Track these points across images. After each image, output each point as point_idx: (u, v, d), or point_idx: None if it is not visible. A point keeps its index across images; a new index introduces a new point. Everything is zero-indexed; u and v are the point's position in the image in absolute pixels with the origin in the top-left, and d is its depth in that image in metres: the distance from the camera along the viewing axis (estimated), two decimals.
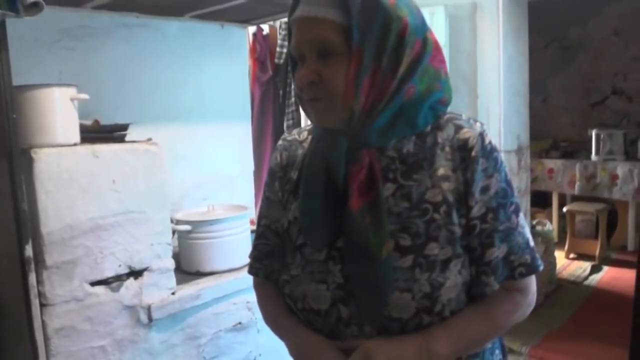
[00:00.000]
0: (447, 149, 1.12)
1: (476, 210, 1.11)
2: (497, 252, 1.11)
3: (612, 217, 6.14)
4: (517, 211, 1.15)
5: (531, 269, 1.14)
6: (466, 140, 1.12)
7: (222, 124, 2.83)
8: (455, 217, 1.09)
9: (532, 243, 1.16)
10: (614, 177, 5.60)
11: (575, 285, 5.16)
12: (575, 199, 6.35)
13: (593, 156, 5.86)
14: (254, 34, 3.61)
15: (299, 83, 1.10)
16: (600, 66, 6.97)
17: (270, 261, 1.27)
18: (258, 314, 2.29)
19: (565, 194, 6.33)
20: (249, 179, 3.01)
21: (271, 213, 1.26)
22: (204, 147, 2.74)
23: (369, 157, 1.09)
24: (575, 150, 6.35)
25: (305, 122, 3.68)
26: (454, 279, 1.08)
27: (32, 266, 1.71)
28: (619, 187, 5.55)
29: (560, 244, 5.99)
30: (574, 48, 7.11)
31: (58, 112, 1.82)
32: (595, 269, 5.54)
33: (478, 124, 1.16)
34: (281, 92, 3.77)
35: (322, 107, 1.09)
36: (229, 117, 2.87)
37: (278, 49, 3.70)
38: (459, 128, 1.13)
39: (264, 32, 3.69)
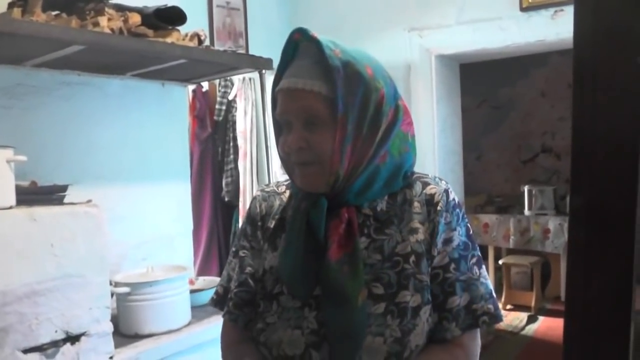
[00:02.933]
0: (416, 204, 1.22)
1: (438, 260, 1.20)
2: (459, 300, 1.20)
3: (545, 269, 6.34)
4: (479, 263, 1.25)
5: (494, 318, 1.23)
6: (432, 196, 1.23)
7: (162, 183, 2.82)
8: (424, 266, 1.18)
9: (494, 294, 1.26)
10: (546, 231, 5.81)
11: (512, 335, 5.28)
12: (510, 252, 6.55)
13: (526, 211, 6.07)
14: (194, 91, 3.64)
15: (286, 148, 1.18)
16: (530, 125, 7.31)
17: (249, 309, 1.29)
18: None
19: (500, 248, 6.51)
20: (188, 238, 2.99)
21: (255, 262, 1.30)
22: (143, 207, 2.72)
23: (347, 214, 1.18)
24: (509, 205, 6.56)
25: (243, 180, 3.70)
26: (422, 326, 1.16)
27: None
28: (551, 241, 5.76)
29: (497, 295, 6.11)
30: (505, 108, 7.44)
31: None
32: (531, 319, 5.69)
33: (443, 182, 1.28)
34: (220, 149, 3.79)
35: (311, 171, 1.17)
36: (169, 176, 2.87)
37: (217, 106, 3.74)
38: (425, 185, 1.25)
39: (204, 89, 3.73)
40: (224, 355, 1.37)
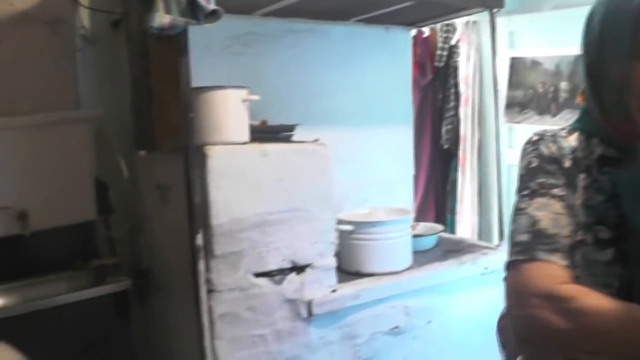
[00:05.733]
0: None
1: None
2: None
3: None
4: None
5: None
6: None
7: (384, 128, 2.82)
8: None
9: None
10: None
11: None
12: None
13: None
14: (414, 37, 3.55)
15: None
16: None
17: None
18: (415, 320, 2.28)
19: None
20: (409, 183, 2.98)
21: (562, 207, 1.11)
22: (365, 150, 2.75)
23: None
24: None
25: (464, 127, 3.59)
26: None
27: (202, 255, 1.82)
28: None
29: None
30: None
31: (230, 112, 1.92)
32: None
33: None
34: (440, 96, 3.69)
35: None
36: (391, 121, 2.86)
37: (438, 52, 3.63)
38: None
39: (424, 35, 3.64)
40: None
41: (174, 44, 1.82)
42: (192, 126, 1.82)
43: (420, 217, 3.27)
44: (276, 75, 2.51)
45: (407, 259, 2.30)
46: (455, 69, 3.63)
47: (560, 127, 1.19)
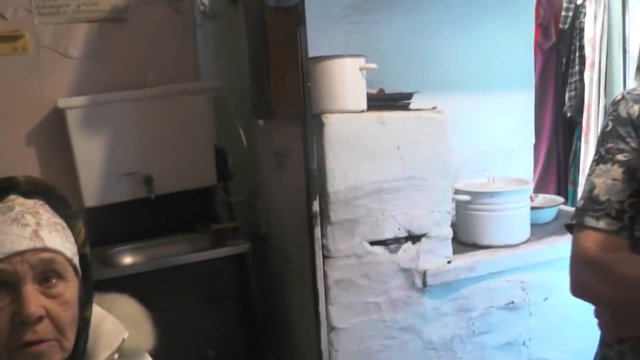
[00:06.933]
0: None
1: None
2: None
3: None
4: None
5: None
6: None
7: (504, 94, 2.71)
8: None
9: None
10: None
11: None
12: None
13: None
14: None
15: None
16: None
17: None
18: (532, 296, 2.22)
19: None
20: (529, 152, 2.86)
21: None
22: (483, 117, 2.66)
23: None
24: None
25: (589, 93, 3.37)
26: None
27: (318, 221, 1.86)
28: None
29: None
30: None
31: (348, 80, 1.92)
32: None
33: None
34: (564, 60, 3.50)
35: None
36: (511, 87, 2.74)
37: (564, 13, 3.42)
38: None
39: None
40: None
41: (292, 14, 1.84)
42: (309, 95, 1.84)
43: (540, 188, 3.15)
44: (393, 42, 2.47)
45: (524, 232, 2.23)
46: (581, 30, 3.41)
47: None
